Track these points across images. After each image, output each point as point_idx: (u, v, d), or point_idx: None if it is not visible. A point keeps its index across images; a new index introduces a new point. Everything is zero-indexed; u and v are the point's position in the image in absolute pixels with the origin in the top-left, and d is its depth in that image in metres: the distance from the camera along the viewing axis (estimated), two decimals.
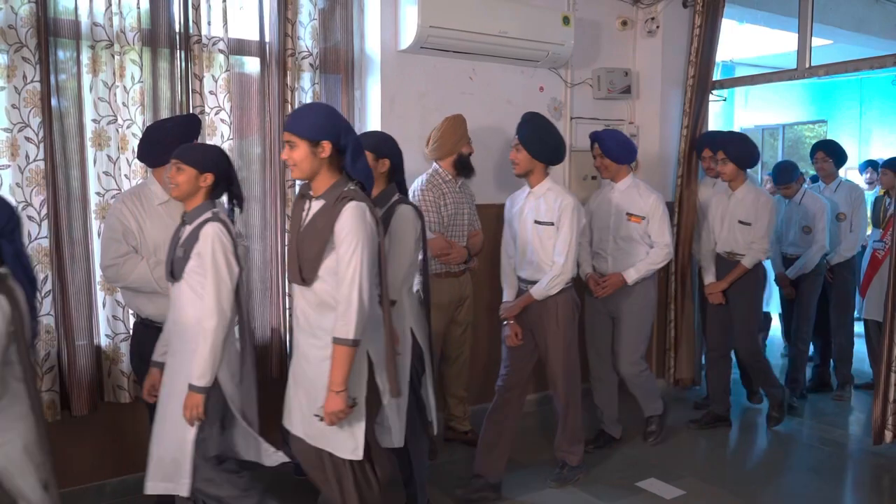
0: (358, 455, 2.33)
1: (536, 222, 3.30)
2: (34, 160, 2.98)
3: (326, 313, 2.33)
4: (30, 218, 3.00)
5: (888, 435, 3.71)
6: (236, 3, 3.47)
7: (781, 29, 5.86)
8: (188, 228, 2.48)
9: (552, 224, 3.25)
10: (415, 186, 3.68)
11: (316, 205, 2.33)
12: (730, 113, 9.61)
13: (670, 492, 3.45)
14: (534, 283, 3.31)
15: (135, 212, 2.76)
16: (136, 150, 3.10)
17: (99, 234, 3.09)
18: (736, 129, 9.88)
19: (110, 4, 3.07)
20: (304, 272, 2.31)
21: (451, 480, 3.45)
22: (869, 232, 5.19)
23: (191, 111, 3.30)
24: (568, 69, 4.54)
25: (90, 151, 3.13)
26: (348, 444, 2.35)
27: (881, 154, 7.91)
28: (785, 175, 4.72)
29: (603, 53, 4.70)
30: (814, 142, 10.02)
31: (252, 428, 2.56)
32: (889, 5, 6.15)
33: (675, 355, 4.79)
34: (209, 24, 3.33)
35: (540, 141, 3.24)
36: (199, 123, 2.99)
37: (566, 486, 3.47)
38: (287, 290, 3.61)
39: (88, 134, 3.12)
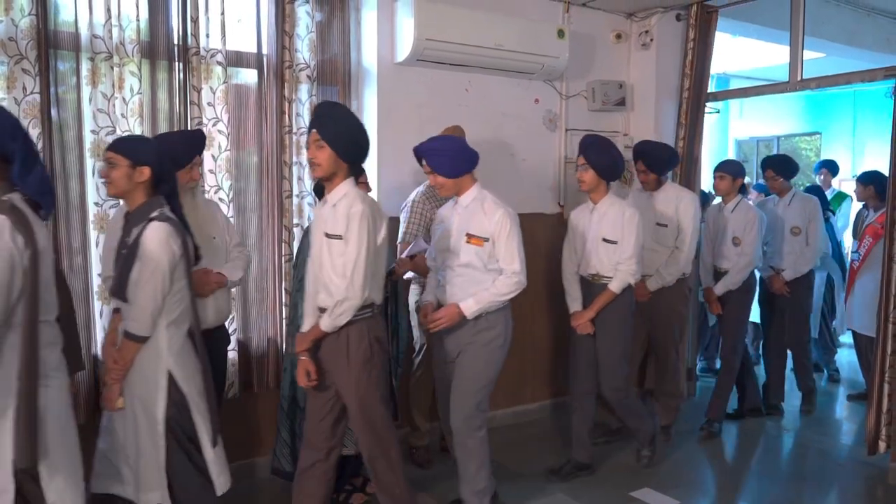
0: None
1: (326, 235, 2.68)
2: None
3: None
4: None
5: (882, 445, 3.73)
6: (234, 15, 3.50)
7: (774, 42, 5.92)
8: None
9: (341, 237, 2.63)
10: (412, 197, 3.71)
11: None
12: (725, 124, 9.67)
13: (665, 502, 3.46)
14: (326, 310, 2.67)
15: None
16: None
17: (97, 245, 3.12)
18: (731, 140, 9.95)
19: (110, 17, 3.11)
20: None
21: (445, 488, 3.45)
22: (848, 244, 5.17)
23: (189, 122, 3.34)
24: (563, 81, 4.59)
25: (89, 162, 3.15)
26: None
27: (875, 166, 7.94)
28: (727, 165, 4.41)
29: (597, 66, 4.75)
30: (810, 153, 10.14)
31: None
32: (881, 19, 6.22)
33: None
34: (207, 36, 3.36)
35: (349, 136, 2.63)
36: (204, 138, 3.02)
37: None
38: (284, 300, 3.63)
39: (87, 145, 3.14)
